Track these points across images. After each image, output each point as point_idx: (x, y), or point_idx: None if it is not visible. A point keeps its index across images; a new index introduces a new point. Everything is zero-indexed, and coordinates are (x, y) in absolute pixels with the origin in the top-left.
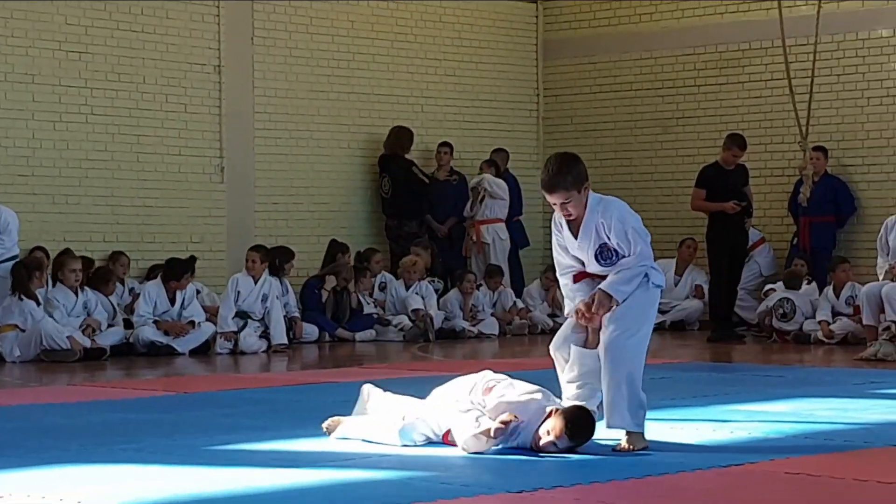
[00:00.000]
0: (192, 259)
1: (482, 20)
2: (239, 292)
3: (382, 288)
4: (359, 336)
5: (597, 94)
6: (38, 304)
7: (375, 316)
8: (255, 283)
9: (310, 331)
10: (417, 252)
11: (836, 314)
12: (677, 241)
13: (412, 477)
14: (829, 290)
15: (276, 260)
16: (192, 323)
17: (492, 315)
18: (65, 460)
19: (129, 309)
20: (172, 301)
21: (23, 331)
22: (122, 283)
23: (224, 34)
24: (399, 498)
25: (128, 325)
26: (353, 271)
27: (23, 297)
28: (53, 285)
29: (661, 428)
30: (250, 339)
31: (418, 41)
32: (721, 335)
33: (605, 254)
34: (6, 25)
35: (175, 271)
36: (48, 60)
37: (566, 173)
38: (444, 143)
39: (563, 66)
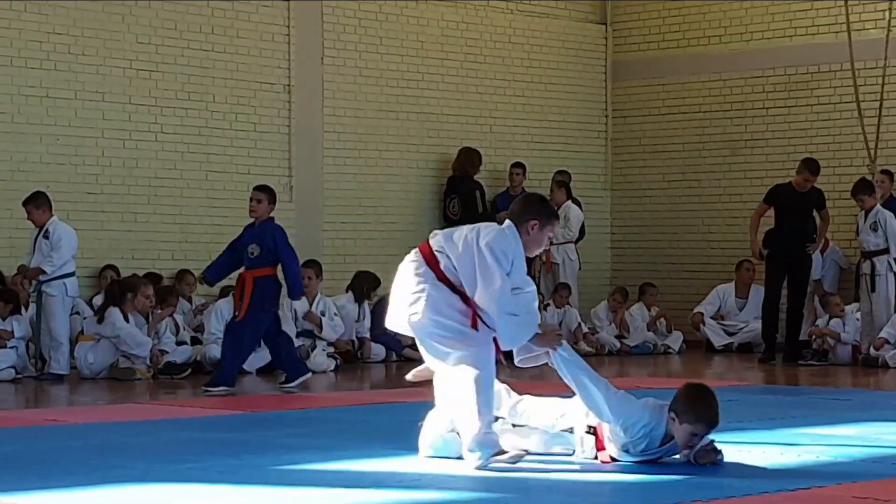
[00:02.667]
0: None
1: (552, 41)
2: (295, 311)
3: None
4: None
5: (665, 116)
6: (127, 319)
7: None
8: (311, 302)
9: (377, 350)
10: None
11: None
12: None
13: (480, 498)
14: None
15: (363, 286)
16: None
17: None
18: (131, 479)
19: (198, 328)
20: None
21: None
22: (190, 301)
23: (294, 53)
24: None
25: (194, 341)
26: None
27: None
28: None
29: (729, 451)
30: (319, 357)
31: (488, 62)
32: (768, 356)
33: None
34: (77, 43)
35: None
36: (118, 79)
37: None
38: (517, 164)
39: (631, 87)
